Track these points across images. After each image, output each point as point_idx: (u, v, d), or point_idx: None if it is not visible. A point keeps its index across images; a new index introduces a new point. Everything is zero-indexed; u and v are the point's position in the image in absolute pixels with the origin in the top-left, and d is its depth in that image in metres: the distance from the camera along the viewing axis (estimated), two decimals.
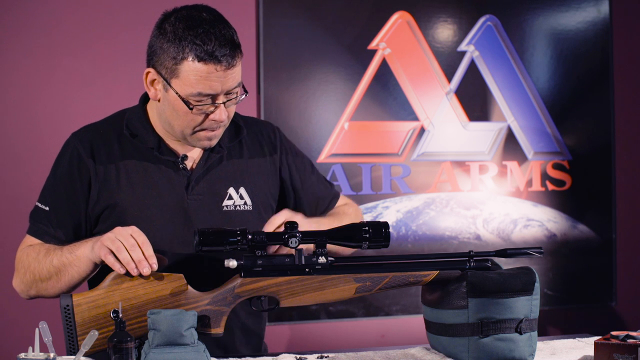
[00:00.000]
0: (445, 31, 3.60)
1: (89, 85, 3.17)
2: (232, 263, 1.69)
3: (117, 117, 1.99)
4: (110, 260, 1.69)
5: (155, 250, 1.74)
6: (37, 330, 1.58)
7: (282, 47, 3.39)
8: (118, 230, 1.72)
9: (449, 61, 3.61)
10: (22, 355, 1.54)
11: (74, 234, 1.91)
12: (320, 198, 2.09)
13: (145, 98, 1.98)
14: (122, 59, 3.20)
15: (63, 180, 1.92)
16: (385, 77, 3.52)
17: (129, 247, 1.69)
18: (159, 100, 1.88)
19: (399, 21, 3.54)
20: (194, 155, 1.96)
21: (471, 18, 3.64)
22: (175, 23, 1.81)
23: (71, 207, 1.91)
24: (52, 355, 1.55)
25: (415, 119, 3.56)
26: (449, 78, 3.61)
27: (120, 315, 1.57)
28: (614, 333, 1.67)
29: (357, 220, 1.98)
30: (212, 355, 1.74)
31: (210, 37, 1.77)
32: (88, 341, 1.56)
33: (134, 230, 1.72)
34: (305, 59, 3.42)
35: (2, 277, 3.10)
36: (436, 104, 3.59)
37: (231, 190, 1.96)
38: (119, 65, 3.20)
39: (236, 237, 1.69)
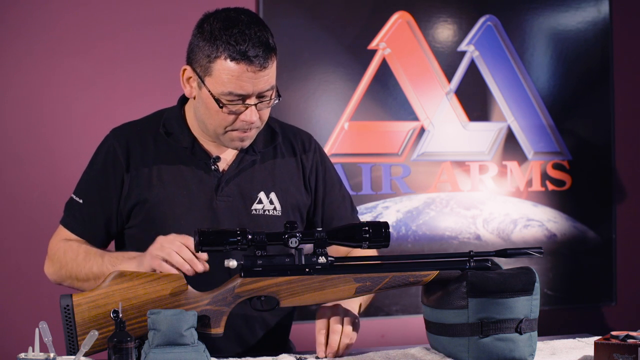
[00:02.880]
0: (445, 31, 3.61)
1: (89, 85, 3.17)
2: (232, 263, 1.69)
3: (156, 115, 2.03)
4: (166, 268, 1.72)
5: None
6: (37, 330, 1.58)
7: (282, 47, 3.37)
8: (161, 238, 1.77)
9: (449, 61, 3.61)
10: (22, 355, 1.54)
11: (105, 228, 1.97)
12: (337, 219, 2.06)
13: (183, 99, 2.02)
14: (122, 59, 3.20)
15: (97, 175, 1.97)
16: (385, 77, 3.52)
17: (177, 249, 1.72)
18: (194, 98, 1.91)
19: (399, 21, 3.54)
20: (227, 158, 1.97)
21: (471, 18, 3.64)
22: (213, 23, 1.83)
23: (104, 202, 1.95)
24: (52, 355, 1.55)
25: (415, 119, 3.57)
26: (449, 78, 3.61)
27: (120, 315, 1.57)
28: (614, 333, 1.67)
29: None
30: (232, 354, 1.79)
31: (244, 37, 1.80)
32: (88, 341, 1.56)
33: (175, 235, 1.76)
34: (305, 59, 3.42)
35: (2, 277, 3.11)
36: (436, 104, 3.59)
37: (262, 195, 1.97)
38: (119, 65, 3.20)
39: (236, 237, 1.69)
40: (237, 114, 1.85)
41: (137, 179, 1.94)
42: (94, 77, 3.18)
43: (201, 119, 1.91)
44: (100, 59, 3.18)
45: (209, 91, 1.83)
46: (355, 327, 1.82)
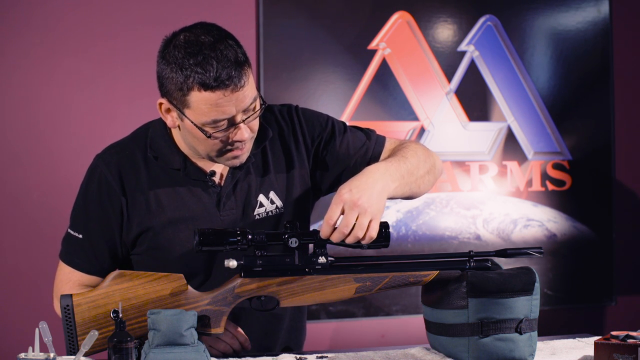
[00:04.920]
0: (445, 31, 3.61)
1: (88, 85, 3.17)
2: (232, 263, 1.69)
3: (141, 134, 1.94)
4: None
5: (197, 279, 1.85)
6: (37, 330, 1.58)
7: (282, 47, 3.39)
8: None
9: (449, 61, 3.61)
10: (22, 355, 1.54)
11: (110, 259, 1.90)
12: (359, 155, 1.96)
13: None
14: (122, 59, 3.21)
15: (95, 208, 1.88)
16: (385, 77, 3.52)
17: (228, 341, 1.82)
18: (178, 127, 1.83)
19: (399, 21, 3.54)
20: (220, 168, 1.91)
21: (471, 18, 3.64)
22: (174, 52, 1.73)
23: (106, 234, 1.88)
24: (52, 355, 1.55)
25: (415, 119, 3.57)
26: (449, 78, 3.61)
27: (120, 315, 1.57)
28: (614, 333, 1.67)
29: (423, 158, 1.91)
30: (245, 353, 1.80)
31: (211, 62, 1.70)
32: (88, 341, 1.56)
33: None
34: (305, 59, 3.42)
35: (2, 277, 3.11)
36: (436, 104, 3.59)
37: (261, 198, 1.91)
38: (119, 65, 3.20)
39: (236, 237, 1.68)
40: (228, 136, 1.77)
41: (135, 207, 1.87)
42: (93, 77, 3.18)
43: (191, 146, 1.84)
44: (100, 59, 3.19)
45: (192, 122, 1.75)
46: (374, 217, 1.70)
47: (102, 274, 1.88)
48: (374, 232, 1.70)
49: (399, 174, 1.82)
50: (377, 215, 1.70)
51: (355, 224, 1.68)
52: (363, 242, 1.70)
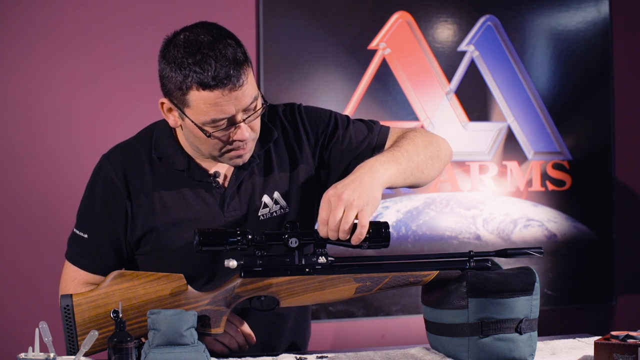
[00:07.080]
0: (445, 31, 3.61)
1: (89, 85, 3.17)
2: (232, 263, 1.69)
3: (147, 134, 1.94)
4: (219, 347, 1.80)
5: (199, 279, 1.85)
6: (37, 330, 1.58)
7: (282, 47, 3.39)
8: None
9: (449, 61, 3.61)
10: (22, 355, 1.54)
11: (116, 259, 1.91)
12: (362, 148, 1.95)
13: None
14: (122, 59, 3.21)
15: (100, 208, 1.89)
16: (385, 77, 3.52)
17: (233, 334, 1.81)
18: (180, 127, 1.84)
19: (399, 21, 3.54)
20: (225, 169, 1.91)
21: (471, 18, 3.64)
22: (174, 51, 1.74)
23: (110, 234, 1.89)
24: (52, 355, 1.55)
25: (415, 119, 3.57)
26: (449, 78, 3.61)
27: (120, 315, 1.57)
28: (614, 333, 1.67)
29: (423, 144, 1.88)
30: (248, 354, 1.79)
31: (209, 61, 1.70)
32: (88, 341, 1.56)
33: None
34: (305, 59, 3.42)
35: (2, 277, 3.11)
36: (436, 104, 3.59)
37: (265, 199, 1.91)
38: (119, 65, 3.20)
39: (236, 237, 1.68)
40: (228, 136, 1.78)
41: (139, 207, 1.87)
42: (94, 76, 3.18)
43: (193, 145, 1.85)
44: (100, 58, 3.19)
45: (192, 122, 1.76)
46: (364, 211, 1.67)
47: (107, 273, 1.86)
48: (364, 223, 1.67)
49: (394, 162, 1.80)
50: (365, 208, 1.68)
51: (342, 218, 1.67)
52: (354, 238, 1.68)
